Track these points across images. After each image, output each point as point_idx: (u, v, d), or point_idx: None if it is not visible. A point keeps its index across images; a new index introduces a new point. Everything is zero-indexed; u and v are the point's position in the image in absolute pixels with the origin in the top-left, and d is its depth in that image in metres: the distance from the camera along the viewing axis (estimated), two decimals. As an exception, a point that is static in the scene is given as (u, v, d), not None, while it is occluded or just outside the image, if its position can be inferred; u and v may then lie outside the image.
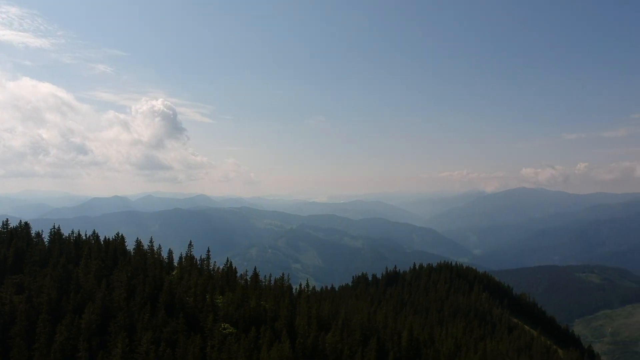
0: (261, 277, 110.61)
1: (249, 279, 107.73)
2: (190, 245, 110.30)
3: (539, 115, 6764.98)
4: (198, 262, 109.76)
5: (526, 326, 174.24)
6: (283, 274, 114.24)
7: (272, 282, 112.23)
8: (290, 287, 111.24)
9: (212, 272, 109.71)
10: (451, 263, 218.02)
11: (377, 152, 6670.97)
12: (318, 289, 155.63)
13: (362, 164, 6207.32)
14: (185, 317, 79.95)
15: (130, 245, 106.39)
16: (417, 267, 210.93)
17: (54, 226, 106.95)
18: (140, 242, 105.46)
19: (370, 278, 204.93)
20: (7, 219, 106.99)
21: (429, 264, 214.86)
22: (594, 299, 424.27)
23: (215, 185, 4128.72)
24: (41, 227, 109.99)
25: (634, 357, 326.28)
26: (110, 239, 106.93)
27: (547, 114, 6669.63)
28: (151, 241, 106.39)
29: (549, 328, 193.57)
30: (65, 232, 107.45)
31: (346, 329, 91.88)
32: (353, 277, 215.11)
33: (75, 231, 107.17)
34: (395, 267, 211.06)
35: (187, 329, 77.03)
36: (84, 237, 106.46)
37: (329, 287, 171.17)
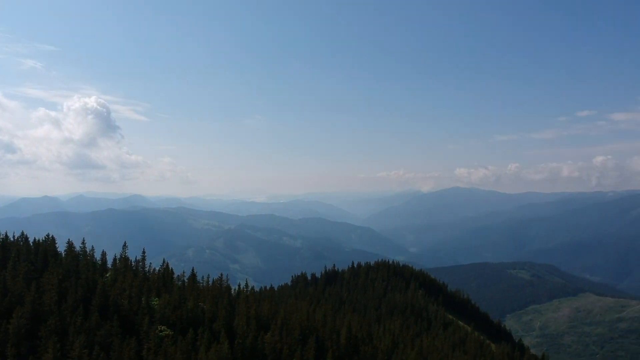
0: (199, 278, 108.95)
1: (186, 281, 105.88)
2: (124, 246, 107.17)
3: (472, 117, 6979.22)
4: (133, 263, 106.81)
5: (460, 322, 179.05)
6: (221, 275, 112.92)
7: (210, 283, 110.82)
8: (229, 288, 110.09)
9: (147, 274, 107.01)
10: (388, 261, 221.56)
11: (316, 152, 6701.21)
12: (257, 289, 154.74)
13: (302, 164, 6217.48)
14: (120, 320, 77.71)
15: (61, 247, 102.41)
16: (355, 265, 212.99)
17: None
18: (72, 243, 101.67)
19: (309, 277, 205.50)
20: None
21: (367, 262, 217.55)
22: (524, 294, 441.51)
23: (150, 185, 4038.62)
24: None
25: (560, 349, 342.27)
26: (40, 241, 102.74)
27: (480, 116, 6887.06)
28: (83, 242, 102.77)
29: (482, 323, 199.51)
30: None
31: (285, 329, 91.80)
32: (292, 276, 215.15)
33: (3, 233, 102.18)
34: (334, 266, 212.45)
35: (122, 332, 74.90)
36: (11, 239, 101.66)
37: (268, 287, 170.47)
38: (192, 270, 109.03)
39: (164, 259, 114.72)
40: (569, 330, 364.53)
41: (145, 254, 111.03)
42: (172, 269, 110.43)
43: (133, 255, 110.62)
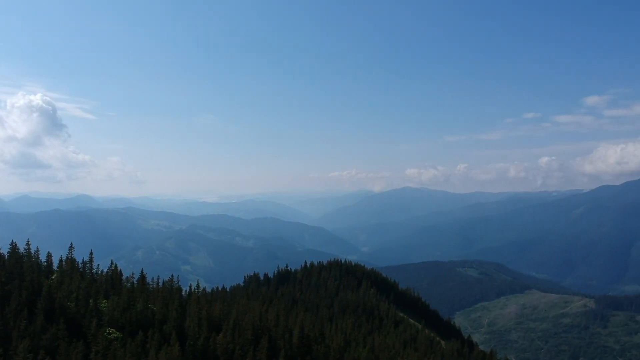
0: (149, 280, 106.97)
1: (135, 282, 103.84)
2: (71, 247, 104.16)
3: (423, 118, 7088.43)
4: (80, 265, 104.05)
5: (411, 320, 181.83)
6: (172, 276, 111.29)
7: (161, 284, 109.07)
8: (180, 289, 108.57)
9: (95, 276, 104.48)
10: (341, 261, 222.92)
11: (268, 152, 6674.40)
12: (209, 290, 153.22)
13: (254, 163, 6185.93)
14: (67, 323, 75.59)
15: (4, 249, 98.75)
16: (308, 265, 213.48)
17: None
18: (16, 245, 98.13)
19: (262, 277, 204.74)
20: None
21: (320, 262, 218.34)
22: (473, 292, 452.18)
23: (98, 185, 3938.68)
24: None
25: (507, 344, 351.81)
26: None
27: (430, 117, 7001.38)
28: (27, 244, 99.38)
29: (432, 321, 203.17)
30: None
31: (237, 329, 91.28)
32: (245, 277, 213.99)
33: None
34: (287, 266, 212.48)
35: (68, 336, 72.88)
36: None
37: (220, 288, 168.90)
38: (142, 271, 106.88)
39: (112, 261, 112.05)
40: (515, 327, 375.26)
41: (93, 256, 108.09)
42: (120, 271, 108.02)
43: (80, 257, 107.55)
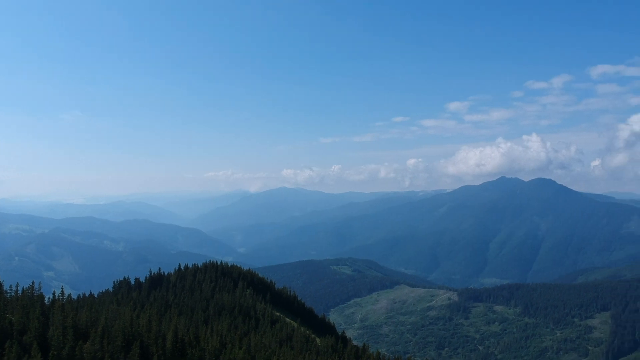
0: (6, 288, 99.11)
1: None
2: None
3: (298, 120, 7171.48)
4: None
5: (287, 318, 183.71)
6: (33, 283, 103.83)
7: (20, 292, 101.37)
8: (42, 297, 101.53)
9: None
10: (217, 262, 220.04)
11: (139, 151, 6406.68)
12: (75, 296, 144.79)
13: (123, 163, 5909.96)
14: None
15: None
16: (182, 268, 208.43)
17: None
18: None
19: (133, 282, 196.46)
20: None
21: (195, 264, 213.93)
22: (346, 288, 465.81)
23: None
24: None
25: (379, 338, 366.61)
26: None
27: (306, 119, 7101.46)
28: None
29: (308, 318, 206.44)
30: None
31: (107, 336, 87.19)
32: (114, 282, 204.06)
33: None
34: (160, 270, 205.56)
35: None
36: None
37: (87, 295, 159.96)
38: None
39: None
40: (386, 321, 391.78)
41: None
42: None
43: None
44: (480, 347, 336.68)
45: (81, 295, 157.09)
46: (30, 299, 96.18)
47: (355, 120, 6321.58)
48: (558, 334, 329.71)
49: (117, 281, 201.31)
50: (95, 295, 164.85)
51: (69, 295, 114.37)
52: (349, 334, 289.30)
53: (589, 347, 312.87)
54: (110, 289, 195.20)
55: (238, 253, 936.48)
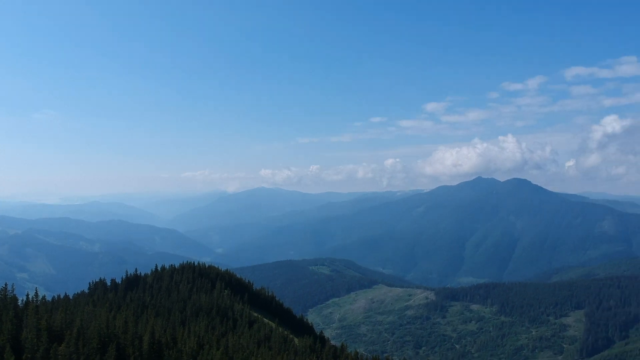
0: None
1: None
2: None
3: (276, 120, 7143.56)
4: None
5: (265, 319, 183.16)
6: (6, 285, 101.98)
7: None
8: (15, 299, 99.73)
9: None
10: (194, 263, 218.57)
11: (115, 151, 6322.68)
12: (49, 298, 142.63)
13: (99, 162, 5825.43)
14: None
15: None
16: (159, 268, 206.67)
17: None
18: None
19: (109, 283, 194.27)
20: None
21: (172, 265, 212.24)
22: (325, 288, 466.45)
23: None
24: None
25: (357, 338, 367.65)
26: None
27: (284, 119, 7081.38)
28: None
29: (286, 319, 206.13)
30: None
31: (82, 338, 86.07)
32: (90, 283, 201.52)
33: None
34: (137, 271, 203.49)
35: None
36: None
37: (62, 296, 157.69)
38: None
39: None
40: (364, 320, 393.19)
41: None
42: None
43: None
44: (457, 346, 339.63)
45: (56, 297, 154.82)
46: (3, 301, 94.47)
47: (333, 121, 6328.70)
48: (533, 332, 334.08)
49: (92, 282, 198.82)
50: (71, 297, 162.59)
51: (44, 297, 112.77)
52: (327, 333, 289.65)
53: (564, 345, 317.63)
54: (86, 290, 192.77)
55: (216, 254, 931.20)
